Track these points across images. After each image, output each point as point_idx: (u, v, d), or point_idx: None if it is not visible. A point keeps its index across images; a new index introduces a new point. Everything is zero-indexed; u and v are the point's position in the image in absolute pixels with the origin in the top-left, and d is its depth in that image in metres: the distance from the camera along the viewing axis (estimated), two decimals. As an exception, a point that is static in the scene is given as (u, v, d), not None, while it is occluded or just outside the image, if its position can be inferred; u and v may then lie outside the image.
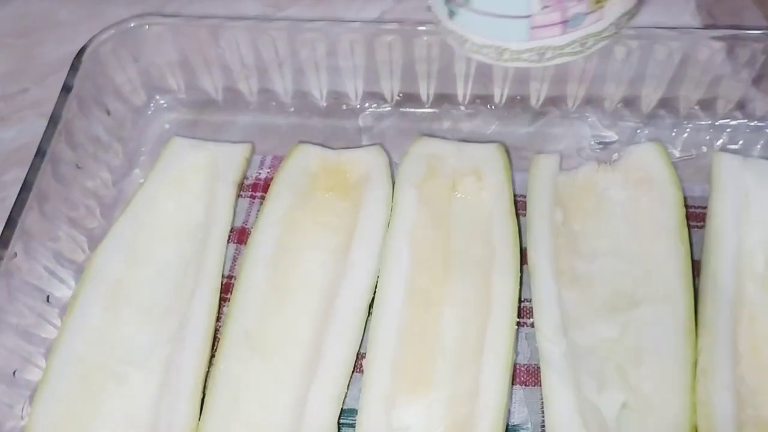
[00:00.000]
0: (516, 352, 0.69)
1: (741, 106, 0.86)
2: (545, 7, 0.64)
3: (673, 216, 0.71)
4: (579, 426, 0.61)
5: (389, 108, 0.90)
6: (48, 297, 0.72)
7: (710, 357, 0.63)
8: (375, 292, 0.69)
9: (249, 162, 0.83)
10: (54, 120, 0.77)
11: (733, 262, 0.69)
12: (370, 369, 0.64)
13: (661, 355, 0.65)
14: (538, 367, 0.68)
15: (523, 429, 0.67)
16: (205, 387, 0.66)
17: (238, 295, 0.70)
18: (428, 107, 0.90)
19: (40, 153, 0.75)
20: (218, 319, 0.71)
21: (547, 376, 0.64)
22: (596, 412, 0.63)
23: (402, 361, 0.65)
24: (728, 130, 0.87)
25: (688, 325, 0.66)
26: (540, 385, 0.68)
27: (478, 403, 0.62)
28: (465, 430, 0.61)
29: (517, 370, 0.70)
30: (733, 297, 0.67)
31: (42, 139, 0.75)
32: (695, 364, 0.64)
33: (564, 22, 0.67)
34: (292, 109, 0.91)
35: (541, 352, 0.66)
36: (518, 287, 0.69)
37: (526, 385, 0.69)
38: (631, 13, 0.71)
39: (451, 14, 0.70)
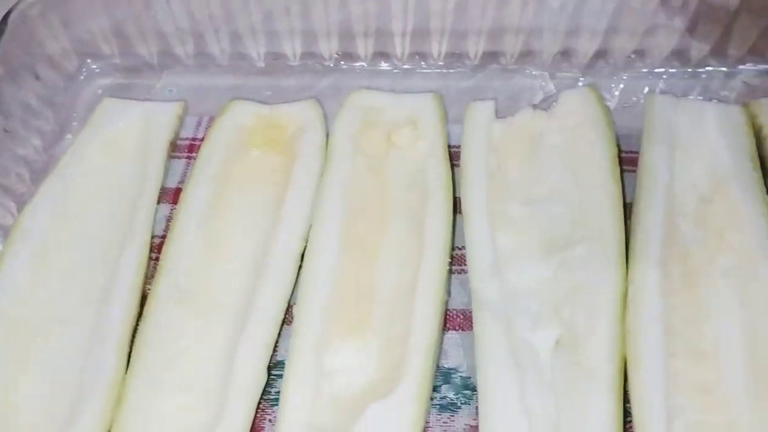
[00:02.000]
0: (448, 294, 0.69)
1: (676, 53, 0.87)
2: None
3: (606, 156, 0.71)
4: (509, 363, 0.60)
5: (330, 65, 0.89)
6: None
7: (640, 288, 0.63)
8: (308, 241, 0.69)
9: (182, 120, 0.81)
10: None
11: (665, 198, 0.69)
12: (300, 315, 0.64)
13: (592, 290, 0.65)
14: (472, 312, 0.68)
15: (459, 371, 0.67)
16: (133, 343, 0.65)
17: (169, 251, 0.69)
18: (367, 65, 0.89)
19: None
20: (150, 277, 0.70)
21: (479, 315, 0.64)
22: (530, 350, 0.63)
23: (334, 307, 0.64)
24: (665, 77, 0.87)
25: (620, 261, 0.66)
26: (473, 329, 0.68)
27: (409, 344, 0.61)
28: (396, 372, 0.60)
29: (454, 315, 0.70)
30: (664, 232, 0.67)
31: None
32: (626, 296, 0.64)
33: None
34: (230, 71, 0.90)
35: (474, 292, 0.65)
36: (450, 232, 0.69)
37: (462, 330, 0.69)
38: None
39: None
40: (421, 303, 0.63)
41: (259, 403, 0.64)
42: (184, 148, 0.83)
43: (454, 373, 0.67)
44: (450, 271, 0.69)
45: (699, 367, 0.62)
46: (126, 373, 0.62)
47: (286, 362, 0.62)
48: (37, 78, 0.83)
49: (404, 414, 0.58)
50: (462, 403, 0.65)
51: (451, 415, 0.65)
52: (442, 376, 0.67)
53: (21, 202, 0.77)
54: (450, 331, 0.69)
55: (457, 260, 0.72)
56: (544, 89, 0.87)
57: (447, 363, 0.67)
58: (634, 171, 0.75)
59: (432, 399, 0.65)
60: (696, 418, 0.59)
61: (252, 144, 0.77)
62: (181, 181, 0.79)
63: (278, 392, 0.65)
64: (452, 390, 0.66)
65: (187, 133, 0.84)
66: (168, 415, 0.61)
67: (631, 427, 0.60)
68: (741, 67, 0.87)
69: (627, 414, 0.60)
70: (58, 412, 0.61)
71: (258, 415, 0.65)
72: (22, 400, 0.63)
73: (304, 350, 0.61)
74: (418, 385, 0.59)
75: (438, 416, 0.65)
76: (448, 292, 0.69)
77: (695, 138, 0.74)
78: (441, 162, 0.72)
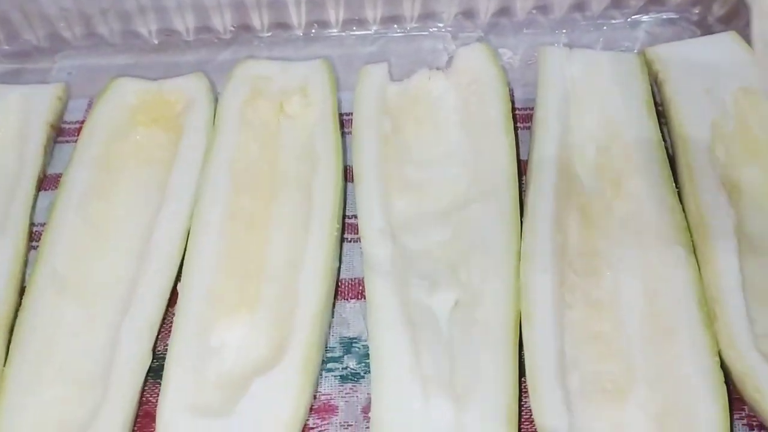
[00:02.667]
0: (338, 261, 0.67)
1: (577, 6, 0.85)
2: None
3: (499, 112, 0.70)
4: (400, 326, 0.59)
5: (226, 38, 0.86)
6: None
7: (531, 241, 0.62)
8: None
9: (64, 102, 0.78)
10: None
11: (558, 150, 0.67)
12: (183, 293, 0.61)
13: (488, 249, 0.63)
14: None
15: (362, 340, 0.65)
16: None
17: (47, 238, 0.65)
18: (265, 36, 0.87)
19: None
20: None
21: (371, 280, 0.62)
22: (427, 312, 0.62)
23: (220, 285, 0.62)
24: (566, 31, 0.85)
25: (514, 218, 0.64)
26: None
27: (295, 315, 0.59)
28: (283, 345, 0.58)
29: (354, 284, 0.68)
30: (559, 185, 0.66)
31: None
32: (519, 252, 0.63)
33: None
34: (124, 50, 0.86)
35: (365, 257, 0.63)
36: (339, 198, 0.66)
37: (363, 299, 0.67)
38: None
39: None
40: (307, 272, 0.61)
41: (154, 385, 0.62)
42: (73, 132, 0.79)
43: (356, 343, 0.65)
44: (341, 239, 0.66)
45: (595, 317, 0.61)
46: (4, 366, 0.59)
47: (169, 342, 0.59)
48: None
49: (288, 386, 0.55)
50: (365, 373, 0.63)
51: (354, 385, 0.63)
52: (343, 346, 0.65)
53: None
54: (351, 301, 0.67)
55: (353, 229, 0.70)
56: (447, 50, 0.85)
57: (348, 333, 0.66)
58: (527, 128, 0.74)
59: (333, 370, 0.63)
60: (592, 368, 0.58)
61: (137, 122, 0.74)
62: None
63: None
64: (354, 359, 0.64)
65: (76, 116, 0.81)
66: (49, 408, 0.58)
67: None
68: (643, 17, 0.86)
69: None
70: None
71: (154, 400, 0.62)
72: None
73: (187, 329, 0.59)
74: (302, 356, 0.57)
75: (340, 387, 0.63)
76: (339, 259, 0.67)
77: (589, 88, 0.73)
78: (330, 128, 0.70)
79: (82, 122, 0.79)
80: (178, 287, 0.62)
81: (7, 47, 0.86)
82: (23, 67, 0.86)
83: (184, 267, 0.63)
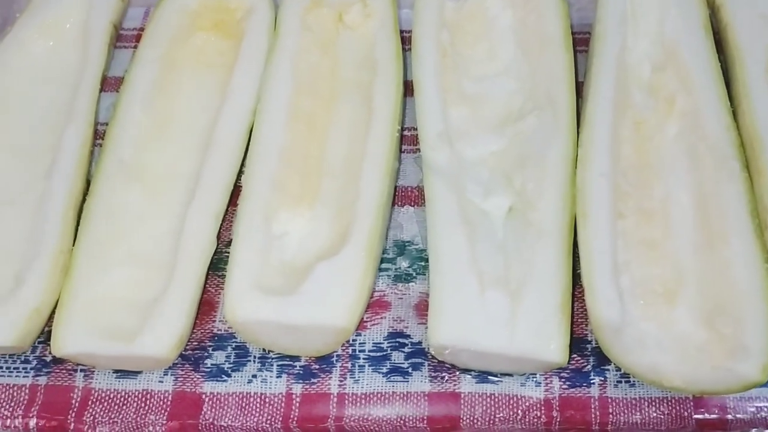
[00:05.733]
0: (398, 161, 0.68)
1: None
2: None
3: (558, 26, 0.70)
4: (459, 224, 0.60)
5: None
6: None
7: (588, 147, 0.63)
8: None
9: (126, 4, 0.79)
10: None
11: (616, 66, 0.68)
12: (248, 183, 0.63)
13: (543, 157, 0.64)
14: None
15: (414, 244, 0.67)
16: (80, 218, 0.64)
17: (113, 130, 0.67)
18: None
19: None
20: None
21: (430, 182, 0.63)
22: (482, 215, 0.63)
23: (283, 176, 0.64)
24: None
25: (570, 128, 0.65)
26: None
27: (356, 207, 0.61)
28: (346, 234, 0.60)
29: (409, 191, 0.70)
30: (616, 99, 0.67)
31: None
32: (575, 161, 0.64)
33: None
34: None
35: (425, 159, 0.65)
36: (400, 105, 0.68)
37: (417, 205, 0.69)
38: None
39: None
40: (369, 166, 0.62)
41: (213, 277, 0.64)
42: (131, 38, 0.80)
43: (409, 245, 0.67)
44: (400, 140, 0.68)
45: (647, 225, 0.62)
46: (73, 246, 0.62)
47: (234, 227, 0.61)
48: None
49: (351, 270, 0.57)
50: (417, 273, 0.66)
51: (406, 285, 0.65)
52: (397, 248, 0.67)
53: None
54: (405, 206, 0.69)
55: (410, 141, 0.72)
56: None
57: (402, 236, 0.68)
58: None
59: (387, 270, 0.65)
60: (643, 271, 0.60)
61: (198, 27, 0.75)
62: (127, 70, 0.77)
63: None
64: (407, 260, 0.66)
65: (134, 23, 0.82)
66: (116, 287, 0.60)
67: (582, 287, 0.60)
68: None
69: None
70: (2, 286, 0.60)
71: (213, 290, 0.65)
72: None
73: (252, 214, 0.60)
74: (366, 243, 0.59)
75: (393, 286, 0.65)
76: (398, 159, 0.68)
77: (647, 9, 0.73)
78: (391, 37, 0.71)
79: (140, 29, 0.81)
80: (242, 179, 0.64)
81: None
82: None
83: (247, 160, 0.65)
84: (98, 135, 0.72)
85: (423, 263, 0.66)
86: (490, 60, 0.74)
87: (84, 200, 0.65)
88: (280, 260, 0.60)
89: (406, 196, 0.70)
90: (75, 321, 0.58)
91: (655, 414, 0.59)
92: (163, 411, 0.59)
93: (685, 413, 0.58)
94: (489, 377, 0.60)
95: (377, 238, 0.60)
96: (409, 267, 0.66)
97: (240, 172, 0.66)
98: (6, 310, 0.57)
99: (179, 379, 0.61)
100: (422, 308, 0.64)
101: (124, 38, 0.80)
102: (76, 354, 0.57)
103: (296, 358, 0.62)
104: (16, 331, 0.57)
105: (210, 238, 0.61)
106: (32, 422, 0.59)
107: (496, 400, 0.60)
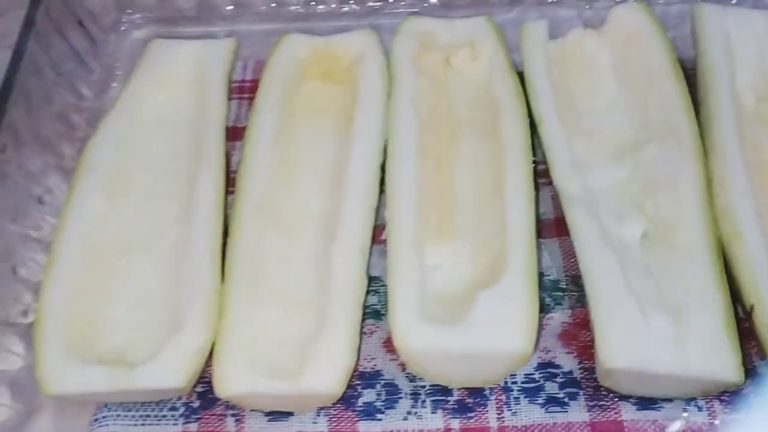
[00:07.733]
0: (537, 189, 0.68)
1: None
2: None
3: (665, 60, 0.73)
4: (606, 249, 0.61)
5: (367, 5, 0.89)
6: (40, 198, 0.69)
7: (724, 171, 0.65)
8: (386, 154, 0.68)
9: (236, 56, 0.80)
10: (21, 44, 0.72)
11: (730, 94, 0.70)
12: (393, 218, 0.63)
13: (673, 182, 0.66)
14: (554, 220, 0.69)
15: (547, 275, 0.67)
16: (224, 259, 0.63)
17: (245, 173, 0.67)
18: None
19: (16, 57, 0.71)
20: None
21: (571, 211, 0.64)
22: (620, 242, 0.64)
23: (424, 211, 0.64)
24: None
25: (696, 152, 0.67)
26: (557, 236, 0.68)
27: (507, 234, 0.61)
28: (494, 264, 0.60)
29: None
30: (737, 123, 0.68)
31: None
32: (709, 182, 0.65)
33: None
34: (269, 17, 0.89)
35: (560, 189, 0.65)
36: (528, 130, 0.69)
37: (542, 237, 0.69)
38: None
39: None
40: (512, 195, 0.63)
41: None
42: (234, 90, 0.81)
43: (544, 276, 0.67)
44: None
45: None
46: (222, 284, 0.61)
47: (387, 262, 0.61)
48: (81, 27, 0.82)
49: (518, 296, 0.57)
50: (556, 304, 0.65)
51: (547, 315, 0.65)
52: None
53: (81, 147, 0.74)
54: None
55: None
56: (582, 17, 0.88)
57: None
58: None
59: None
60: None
61: (308, 76, 0.77)
62: (236, 120, 0.78)
63: (372, 306, 0.64)
64: (544, 292, 0.66)
65: (235, 76, 0.83)
66: (269, 326, 0.60)
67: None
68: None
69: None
70: (153, 330, 0.59)
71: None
72: (110, 324, 0.61)
73: (404, 247, 0.61)
74: (526, 269, 0.59)
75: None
76: (537, 188, 0.69)
77: (745, 42, 0.76)
78: (506, 72, 0.73)
79: (240, 81, 0.82)
80: (386, 214, 0.64)
81: (156, 12, 0.89)
82: (173, 31, 0.88)
83: (387, 197, 0.65)
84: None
85: (559, 293, 0.66)
86: (594, 95, 0.76)
87: (224, 243, 0.64)
88: (433, 292, 0.60)
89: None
90: (237, 361, 0.56)
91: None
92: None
93: None
94: (650, 403, 0.59)
95: (534, 264, 0.60)
96: (547, 297, 0.66)
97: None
98: (171, 351, 0.56)
99: (333, 419, 0.59)
100: (566, 337, 0.63)
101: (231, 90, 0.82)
102: (241, 395, 0.56)
103: (449, 393, 0.60)
104: (184, 372, 0.56)
105: (360, 273, 0.61)
106: (188, 471, 0.57)
107: (661, 427, 0.58)
